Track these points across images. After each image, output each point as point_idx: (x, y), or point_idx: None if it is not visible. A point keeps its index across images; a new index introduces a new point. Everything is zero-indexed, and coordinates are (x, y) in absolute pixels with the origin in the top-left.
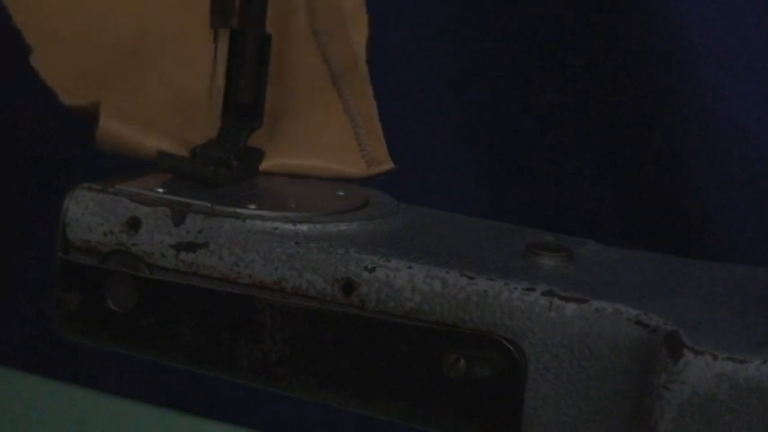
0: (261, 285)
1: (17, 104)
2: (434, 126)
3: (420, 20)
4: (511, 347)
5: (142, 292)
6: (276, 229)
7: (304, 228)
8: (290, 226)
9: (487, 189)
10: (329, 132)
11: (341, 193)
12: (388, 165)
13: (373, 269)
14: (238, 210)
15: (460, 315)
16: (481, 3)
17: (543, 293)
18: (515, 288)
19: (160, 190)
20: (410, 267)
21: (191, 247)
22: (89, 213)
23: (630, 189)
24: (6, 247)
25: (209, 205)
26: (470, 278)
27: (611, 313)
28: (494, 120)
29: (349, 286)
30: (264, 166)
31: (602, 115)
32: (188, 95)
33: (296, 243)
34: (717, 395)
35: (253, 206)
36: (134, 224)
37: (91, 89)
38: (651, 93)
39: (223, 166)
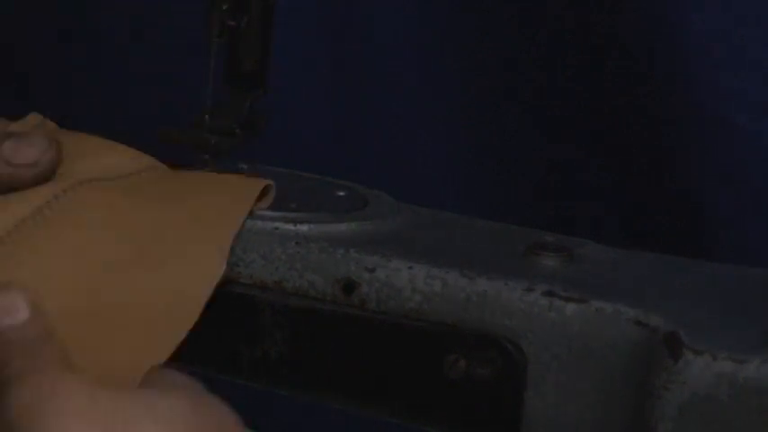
0: (261, 285)
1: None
2: (434, 126)
3: (420, 20)
4: (511, 347)
5: None
6: (276, 229)
7: (304, 228)
8: (290, 226)
9: (487, 189)
10: None
11: (341, 193)
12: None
13: (373, 269)
14: None
15: (460, 315)
16: (482, 3)
17: (543, 293)
18: (515, 288)
19: None
20: (410, 267)
21: None
22: None
23: (630, 189)
24: None
25: None
26: (470, 278)
27: (611, 313)
28: (494, 120)
29: (349, 286)
30: None
31: (602, 115)
32: None
33: (296, 243)
34: (717, 395)
35: None
36: None
37: None
38: (651, 93)
39: (226, 134)
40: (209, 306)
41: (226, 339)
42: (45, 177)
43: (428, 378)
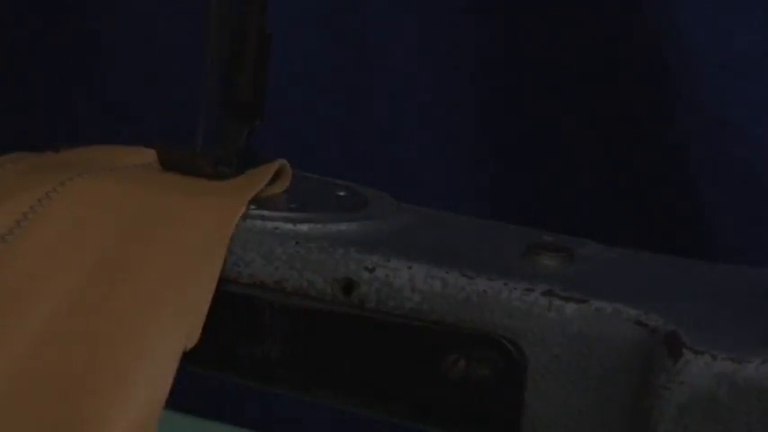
0: (261, 285)
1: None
2: (434, 126)
3: (420, 20)
4: (511, 347)
5: None
6: (276, 228)
7: (304, 228)
8: (290, 226)
9: (487, 188)
10: None
11: (341, 193)
12: None
13: (373, 269)
14: None
15: (460, 315)
16: (482, 3)
17: (543, 293)
18: (515, 288)
19: None
20: (410, 267)
21: None
22: None
23: (631, 189)
24: None
25: None
26: (470, 278)
27: (611, 313)
28: (493, 120)
29: (349, 286)
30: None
31: (601, 115)
32: None
33: (296, 243)
34: (717, 395)
35: (253, 206)
36: None
37: None
38: (651, 93)
39: (223, 164)
40: (209, 305)
41: (225, 339)
42: None
43: (428, 378)
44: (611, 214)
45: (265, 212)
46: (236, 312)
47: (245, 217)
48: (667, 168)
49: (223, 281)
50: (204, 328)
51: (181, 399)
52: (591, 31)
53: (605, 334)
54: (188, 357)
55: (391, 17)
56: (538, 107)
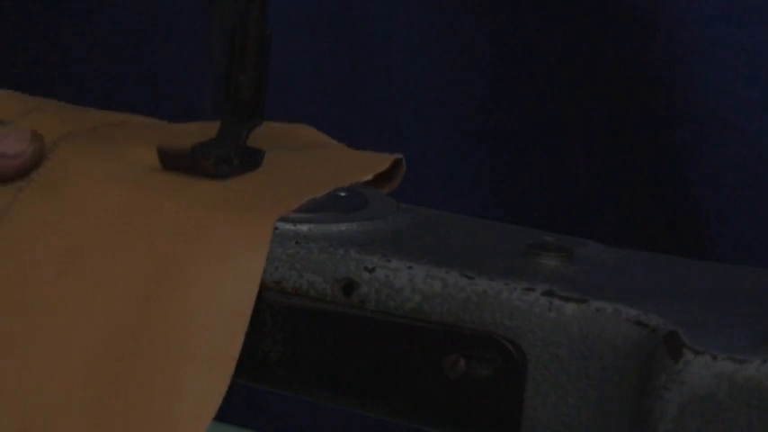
0: (261, 285)
1: None
2: (434, 126)
3: (420, 19)
4: (511, 347)
5: None
6: (276, 229)
7: (304, 228)
8: (290, 226)
9: (487, 189)
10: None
11: (341, 194)
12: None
13: (373, 269)
14: None
15: (460, 315)
16: (482, 3)
17: (543, 293)
18: (515, 288)
19: None
20: (410, 267)
21: None
22: None
23: (630, 189)
24: None
25: None
26: (470, 278)
27: (611, 313)
28: (494, 120)
29: (349, 286)
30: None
31: (602, 115)
32: None
33: (296, 243)
34: (717, 395)
35: None
36: None
37: None
38: (651, 93)
39: (224, 162)
40: None
41: None
42: (27, 170)
43: (428, 378)
44: (611, 214)
45: None
46: None
47: None
48: (667, 168)
49: None
50: None
51: None
52: (591, 30)
53: (605, 334)
54: None
55: (392, 17)
56: (538, 107)
